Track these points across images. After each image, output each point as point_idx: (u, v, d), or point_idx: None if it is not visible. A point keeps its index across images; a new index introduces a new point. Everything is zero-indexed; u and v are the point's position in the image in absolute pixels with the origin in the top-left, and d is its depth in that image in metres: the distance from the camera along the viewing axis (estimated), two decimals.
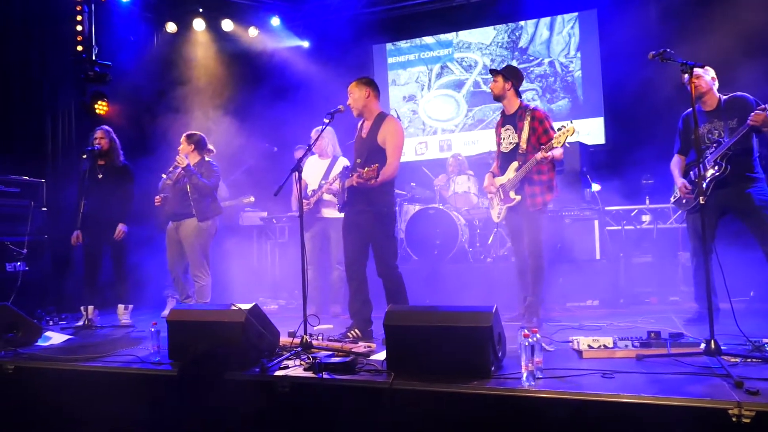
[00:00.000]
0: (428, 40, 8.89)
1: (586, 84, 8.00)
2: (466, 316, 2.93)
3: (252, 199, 6.56)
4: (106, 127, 5.57)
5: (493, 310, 2.95)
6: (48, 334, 4.47)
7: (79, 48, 6.31)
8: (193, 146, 5.38)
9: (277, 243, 6.74)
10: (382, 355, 3.27)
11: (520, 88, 4.63)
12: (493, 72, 4.56)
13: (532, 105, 4.59)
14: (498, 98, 4.59)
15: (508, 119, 4.58)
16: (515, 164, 4.51)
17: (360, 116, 4.28)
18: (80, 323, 5.18)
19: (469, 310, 2.97)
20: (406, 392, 2.76)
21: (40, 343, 4.29)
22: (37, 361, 3.71)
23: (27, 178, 5.97)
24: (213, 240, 5.46)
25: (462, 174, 7.00)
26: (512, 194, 4.51)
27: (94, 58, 6.40)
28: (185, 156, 5.26)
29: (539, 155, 4.29)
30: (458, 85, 8.71)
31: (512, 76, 4.53)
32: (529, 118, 4.42)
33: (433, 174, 7.36)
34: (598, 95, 7.89)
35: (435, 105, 8.82)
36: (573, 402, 2.50)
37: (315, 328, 3.76)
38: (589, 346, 3.21)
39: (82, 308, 5.26)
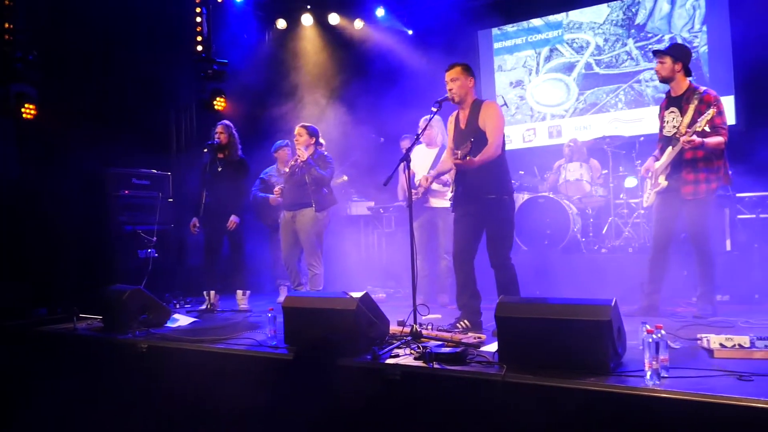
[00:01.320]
0: (536, 22, 8.58)
1: (713, 60, 7.37)
2: (583, 309, 2.80)
3: (345, 178, 6.65)
4: (227, 122, 5.80)
5: (613, 304, 2.80)
6: (176, 316, 4.80)
7: (199, 48, 6.67)
8: (313, 138, 5.50)
9: (384, 232, 6.81)
10: (492, 347, 3.21)
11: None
12: (658, 53, 4.32)
13: (702, 87, 4.28)
14: (666, 80, 4.33)
15: (674, 101, 4.33)
16: (670, 148, 4.29)
17: (459, 104, 4.17)
18: (203, 307, 5.50)
19: (586, 303, 2.84)
20: (518, 386, 2.68)
21: (169, 324, 4.62)
22: (167, 341, 4.00)
23: (155, 171, 6.41)
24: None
25: (574, 161, 6.71)
26: (661, 179, 4.31)
27: (212, 57, 6.73)
28: (304, 148, 5.37)
29: (684, 139, 4.05)
30: (568, 68, 8.34)
31: (682, 55, 4.27)
32: (696, 101, 4.16)
33: (546, 161, 7.10)
34: (727, 71, 7.23)
35: (544, 90, 8.50)
36: (704, 405, 2.31)
37: (424, 317, 3.75)
38: (721, 344, 2.97)
39: (205, 293, 5.58)
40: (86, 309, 4.92)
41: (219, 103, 6.77)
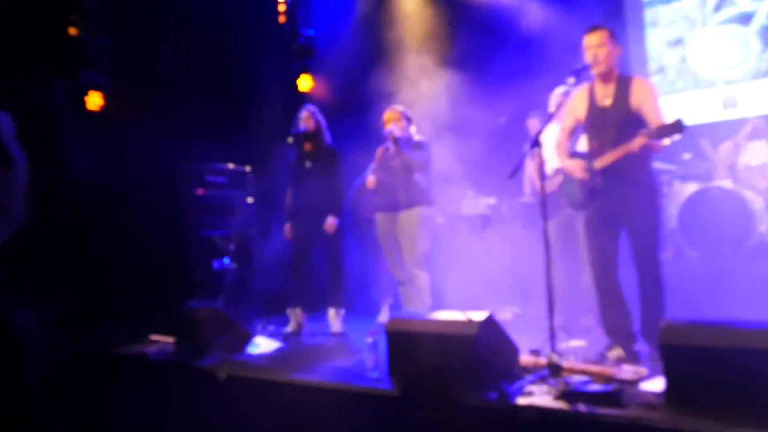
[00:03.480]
0: None
1: None
2: None
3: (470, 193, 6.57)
4: (311, 107, 5.83)
5: None
6: (258, 340, 4.92)
7: (281, 19, 6.79)
8: (403, 121, 5.48)
9: (508, 236, 6.62)
10: (656, 384, 3.07)
11: None
12: None
13: None
14: None
15: None
16: None
17: (601, 76, 4.05)
18: (289, 329, 5.58)
19: None
20: None
21: (251, 350, 4.74)
22: (249, 370, 4.09)
23: (233, 166, 6.59)
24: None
25: (758, 139, 6.25)
26: None
27: (296, 29, 6.84)
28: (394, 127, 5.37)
29: None
30: (745, 18, 7.75)
31: None
32: None
33: (719, 140, 6.67)
34: None
35: (713, 48, 7.96)
36: None
37: (563, 345, 3.61)
38: None
39: (288, 311, 5.65)
40: (158, 328, 5.13)
41: (305, 81, 6.84)
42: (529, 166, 5.81)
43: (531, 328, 4.47)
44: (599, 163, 3.99)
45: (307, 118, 5.73)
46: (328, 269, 5.71)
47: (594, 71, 4.01)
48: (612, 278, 4.05)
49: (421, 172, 5.43)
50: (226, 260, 6.35)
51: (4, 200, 0.95)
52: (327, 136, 5.79)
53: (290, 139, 5.75)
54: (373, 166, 5.75)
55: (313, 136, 5.72)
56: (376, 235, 5.78)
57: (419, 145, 5.47)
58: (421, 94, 6.46)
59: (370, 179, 5.53)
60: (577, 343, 4.32)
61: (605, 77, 4.03)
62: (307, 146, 5.76)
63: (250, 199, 6.61)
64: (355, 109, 7.07)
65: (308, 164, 5.70)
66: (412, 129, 5.60)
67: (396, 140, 5.30)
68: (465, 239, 6.66)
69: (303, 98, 6.65)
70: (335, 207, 5.61)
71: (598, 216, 4.09)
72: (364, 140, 6.32)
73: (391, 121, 5.46)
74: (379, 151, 5.56)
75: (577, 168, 4.09)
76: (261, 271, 6.54)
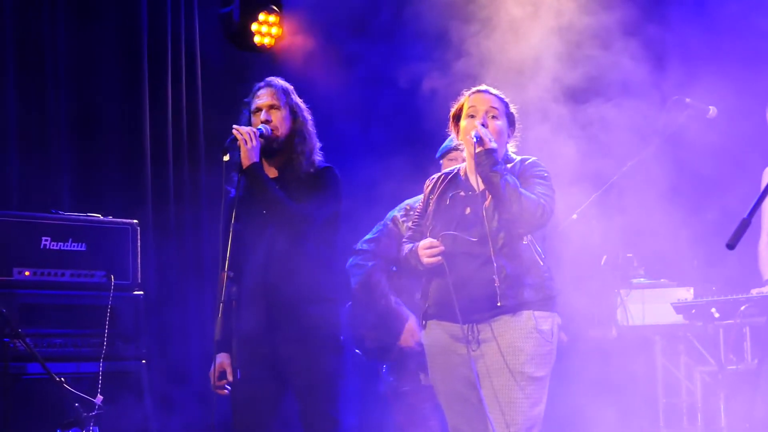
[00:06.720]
0: None
1: None
2: None
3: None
4: (279, 82, 3.65)
5: None
6: None
7: None
8: (502, 119, 3.46)
9: (727, 372, 4.07)
10: None
11: None
12: None
13: None
14: None
15: None
16: None
17: None
18: None
19: None
20: None
21: None
22: None
23: (99, 217, 3.93)
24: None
25: None
26: None
27: None
28: (489, 139, 3.28)
29: None
30: None
31: None
32: None
33: None
34: None
35: None
36: None
37: None
38: None
39: None
40: None
41: (263, 27, 4.66)
42: None
43: None
44: None
45: (268, 104, 3.58)
46: None
47: None
48: None
49: (536, 233, 3.26)
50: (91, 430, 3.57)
51: None
52: (314, 147, 3.67)
53: (225, 155, 3.47)
54: (418, 216, 3.51)
55: (283, 143, 3.59)
56: (419, 379, 3.86)
57: (533, 171, 3.41)
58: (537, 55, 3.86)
59: (427, 247, 3.26)
60: None
61: None
62: (272, 166, 3.63)
63: (138, 293, 3.97)
64: (376, 84, 4.70)
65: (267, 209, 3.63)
66: (511, 144, 3.50)
67: (487, 157, 3.17)
68: (624, 382, 4.24)
69: (258, 65, 4.81)
70: (323, 297, 3.53)
71: None
72: (395, 153, 4.62)
73: (478, 116, 3.30)
74: (434, 181, 3.48)
75: None
76: None
